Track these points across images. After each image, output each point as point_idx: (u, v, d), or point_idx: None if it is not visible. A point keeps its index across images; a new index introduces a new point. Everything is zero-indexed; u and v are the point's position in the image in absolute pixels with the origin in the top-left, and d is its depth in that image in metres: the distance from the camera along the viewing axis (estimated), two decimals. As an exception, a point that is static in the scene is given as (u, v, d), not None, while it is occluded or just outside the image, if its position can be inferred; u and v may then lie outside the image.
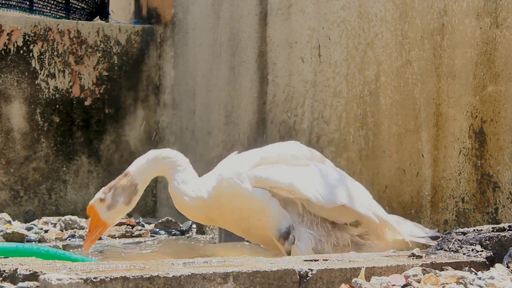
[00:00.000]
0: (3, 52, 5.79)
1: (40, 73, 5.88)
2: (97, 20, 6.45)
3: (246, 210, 3.44)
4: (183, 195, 3.55)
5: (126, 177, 3.56)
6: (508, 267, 3.01)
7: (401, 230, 3.61)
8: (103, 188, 3.60)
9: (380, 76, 4.57)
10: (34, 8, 6.28)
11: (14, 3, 6.23)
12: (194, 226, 5.25)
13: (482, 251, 3.11)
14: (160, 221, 5.15)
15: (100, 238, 4.71)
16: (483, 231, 3.22)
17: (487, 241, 3.13)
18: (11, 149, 5.79)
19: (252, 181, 3.43)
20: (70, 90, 5.96)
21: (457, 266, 2.99)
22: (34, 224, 5.15)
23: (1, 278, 2.69)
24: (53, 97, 5.91)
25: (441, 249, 3.17)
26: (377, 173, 4.56)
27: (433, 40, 4.28)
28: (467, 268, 2.99)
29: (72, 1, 6.41)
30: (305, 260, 2.96)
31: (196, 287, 2.59)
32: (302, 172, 3.49)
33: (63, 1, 6.39)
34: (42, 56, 5.88)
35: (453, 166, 4.17)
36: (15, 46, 5.83)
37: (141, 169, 3.59)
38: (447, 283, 2.80)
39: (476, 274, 2.92)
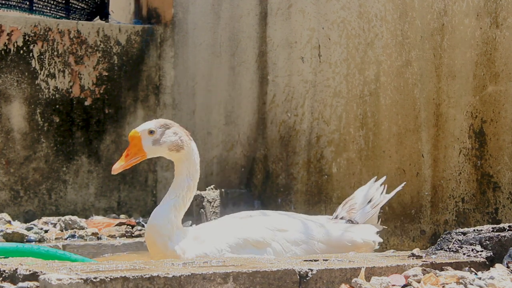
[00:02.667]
0: (3, 52, 5.79)
1: (40, 73, 5.88)
2: (97, 20, 6.45)
3: None
4: (169, 248, 3.45)
5: (181, 131, 3.58)
6: (508, 267, 3.01)
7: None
8: (156, 120, 3.59)
9: (380, 76, 4.57)
10: (34, 8, 6.28)
11: (14, 3, 6.23)
12: (194, 226, 5.24)
13: (482, 251, 3.11)
14: (160, 221, 5.14)
15: (100, 238, 4.71)
16: (483, 231, 3.22)
17: (487, 241, 3.13)
18: (11, 149, 5.79)
19: None
20: (70, 90, 5.96)
21: (457, 266, 2.99)
22: (34, 224, 5.15)
23: (1, 278, 2.69)
24: (53, 97, 5.90)
25: (441, 249, 3.17)
26: (377, 173, 4.56)
27: (433, 40, 4.28)
28: (467, 268, 2.99)
29: (72, 1, 6.41)
30: (305, 260, 2.96)
31: (196, 287, 2.59)
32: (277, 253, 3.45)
33: (63, 1, 6.39)
34: (42, 56, 5.88)
35: (453, 166, 4.17)
36: (15, 46, 5.83)
37: (190, 145, 3.57)
38: (447, 283, 2.80)
39: (476, 274, 2.92)
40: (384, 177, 3.82)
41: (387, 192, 3.85)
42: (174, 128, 3.58)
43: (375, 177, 3.84)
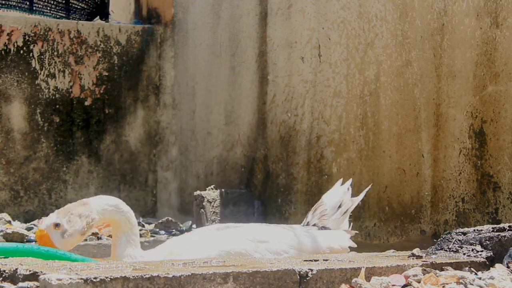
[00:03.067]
0: (3, 52, 5.79)
1: (40, 73, 5.88)
2: (97, 20, 6.45)
3: None
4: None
5: (85, 206, 3.30)
6: (508, 267, 3.01)
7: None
8: (54, 212, 3.32)
9: (380, 76, 4.57)
10: (34, 8, 6.28)
11: (14, 3, 6.23)
12: (194, 226, 5.25)
13: (482, 251, 3.11)
14: (160, 221, 5.15)
15: (100, 238, 4.71)
16: (483, 231, 3.22)
17: (487, 241, 3.13)
18: (11, 149, 5.79)
19: None
20: (70, 90, 5.96)
21: (457, 266, 2.99)
22: (34, 224, 5.15)
23: (1, 278, 2.69)
24: (53, 97, 5.90)
25: (441, 249, 3.17)
26: (377, 173, 4.56)
27: (433, 40, 4.28)
28: (467, 268, 2.99)
29: (72, 1, 6.41)
30: (305, 260, 2.95)
31: (196, 287, 2.59)
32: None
33: (63, 1, 6.39)
34: (42, 56, 5.88)
35: (453, 166, 4.17)
36: (15, 46, 5.83)
37: (103, 209, 3.30)
38: (447, 283, 2.80)
39: (476, 274, 2.92)
40: (351, 180, 3.78)
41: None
42: (75, 211, 3.26)
43: (341, 179, 3.80)
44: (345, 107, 4.76)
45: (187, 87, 6.05)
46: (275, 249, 3.36)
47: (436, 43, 4.26)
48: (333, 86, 4.84)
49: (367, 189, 3.79)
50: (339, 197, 3.68)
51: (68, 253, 3.27)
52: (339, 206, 3.67)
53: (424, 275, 2.86)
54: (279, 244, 3.38)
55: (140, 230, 5.02)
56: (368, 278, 2.82)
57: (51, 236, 3.27)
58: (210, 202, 5.16)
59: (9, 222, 5.28)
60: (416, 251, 3.11)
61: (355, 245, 3.59)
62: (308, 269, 2.77)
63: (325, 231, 3.59)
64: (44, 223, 3.28)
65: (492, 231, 3.21)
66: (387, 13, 4.52)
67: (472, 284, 2.77)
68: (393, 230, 4.45)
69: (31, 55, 5.85)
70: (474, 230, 3.24)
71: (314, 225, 3.64)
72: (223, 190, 5.26)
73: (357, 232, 3.91)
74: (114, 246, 3.32)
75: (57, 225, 3.26)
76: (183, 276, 2.58)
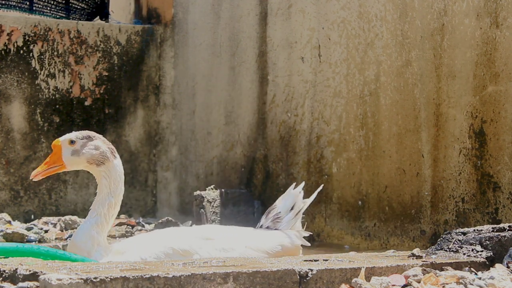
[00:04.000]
0: (3, 52, 5.79)
1: (40, 73, 5.88)
2: (97, 20, 6.45)
3: None
4: (87, 248, 3.40)
5: (104, 145, 3.49)
6: (508, 267, 3.01)
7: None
8: (80, 132, 3.52)
9: (380, 76, 4.57)
10: (34, 8, 6.28)
11: (14, 3, 6.23)
12: (194, 226, 5.25)
13: (482, 251, 3.11)
14: (160, 221, 5.15)
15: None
16: (483, 231, 3.22)
17: (487, 241, 3.13)
18: (11, 149, 5.79)
19: None
20: (70, 90, 5.96)
21: (457, 266, 2.99)
22: (34, 224, 5.15)
23: (1, 278, 2.69)
24: (53, 97, 5.90)
25: (441, 249, 3.17)
26: (377, 173, 4.56)
27: (433, 40, 4.28)
28: (467, 268, 2.99)
29: (72, 1, 6.41)
30: (305, 260, 2.96)
31: (196, 287, 2.59)
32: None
33: (63, 1, 6.39)
34: (42, 56, 5.88)
35: (453, 166, 4.17)
36: (15, 46, 5.83)
37: (111, 162, 3.48)
38: (447, 283, 2.80)
39: (476, 274, 2.92)
40: (303, 183, 3.78)
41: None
42: (97, 141, 3.48)
43: (294, 183, 3.79)
44: (345, 107, 4.76)
45: (187, 87, 6.05)
46: (221, 246, 3.39)
47: (436, 43, 4.26)
48: (333, 86, 4.84)
49: (318, 190, 3.76)
50: (292, 200, 3.69)
51: (68, 253, 3.27)
52: (292, 208, 3.68)
53: (424, 275, 2.86)
54: (226, 241, 3.41)
55: (140, 230, 5.02)
56: (368, 278, 2.82)
57: (62, 148, 3.49)
58: (210, 202, 5.16)
59: (9, 222, 5.28)
60: (416, 251, 3.11)
61: (308, 244, 3.60)
62: (308, 269, 2.77)
63: (277, 230, 3.60)
64: (64, 136, 3.51)
65: (492, 231, 3.21)
66: (387, 13, 4.52)
67: (472, 284, 2.77)
68: (393, 230, 4.45)
69: (31, 55, 5.85)
70: (474, 230, 3.24)
71: (267, 227, 3.64)
72: (223, 190, 5.26)
73: (311, 233, 3.85)
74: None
75: (72, 141, 3.47)
76: (183, 276, 2.59)
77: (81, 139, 3.48)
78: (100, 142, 3.49)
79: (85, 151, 3.46)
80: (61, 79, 5.93)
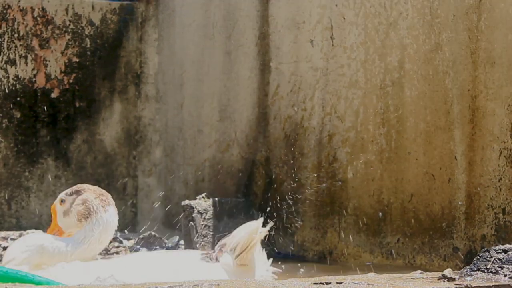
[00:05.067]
0: (-47, 34, 5.80)
1: (-2, 59, 5.89)
2: (66, -4, 6.45)
3: None
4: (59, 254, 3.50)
5: (92, 197, 3.60)
6: (558, 291, 3.01)
7: None
8: (71, 188, 3.63)
9: (404, 63, 4.57)
10: (-10, -19, 6.28)
11: (-34, -25, 6.23)
12: (182, 242, 5.25)
13: (527, 272, 3.11)
14: (141, 236, 5.16)
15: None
16: (528, 249, 3.22)
17: (533, 261, 3.14)
18: (-37, 150, 5.80)
19: None
20: (34, 79, 5.96)
21: (497, 290, 2.99)
22: (-10, 240, 5.15)
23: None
24: (13, 88, 5.91)
25: (478, 269, 3.17)
26: (401, 179, 4.56)
27: (468, 20, 4.28)
28: (509, 292, 2.99)
29: (36, -27, 6.42)
30: (315, 283, 2.95)
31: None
32: None
33: (25, -27, 6.39)
34: (0, 39, 5.88)
35: (492, 171, 4.17)
36: (-32, 26, 5.84)
37: (99, 215, 3.59)
38: (485, 311, 2.80)
39: (519, 299, 2.92)
40: (272, 223, 3.70)
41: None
42: (86, 195, 3.59)
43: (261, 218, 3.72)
44: (362, 100, 4.77)
45: (173, 76, 6.05)
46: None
47: (472, 23, 4.26)
48: (349, 74, 4.85)
49: (269, 225, 3.66)
50: (244, 232, 3.63)
51: (31, 274, 3.27)
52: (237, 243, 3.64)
53: (457, 301, 2.86)
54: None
55: (118, 247, 5.03)
56: (390, 305, 2.82)
57: (57, 211, 3.63)
58: (201, 214, 5.16)
59: (-39, 237, 5.29)
60: (448, 272, 3.12)
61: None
62: (319, 293, 2.77)
63: (210, 264, 3.58)
64: (58, 196, 3.63)
65: (539, 248, 3.22)
66: (413, -12, 4.53)
67: (515, 312, 2.77)
68: (420, 247, 4.46)
69: (-13, 37, 5.86)
70: (517, 247, 3.25)
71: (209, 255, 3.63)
72: (216, 199, 5.26)
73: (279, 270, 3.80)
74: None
75: (62, 201, 3.61)
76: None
77: (70, 195, 3.59)
78: (88, 195, 3.59)
79: (73, 209, 3.57)
80: (23, 66, 5.93)
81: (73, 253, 3.55)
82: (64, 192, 3.62)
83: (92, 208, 3.56)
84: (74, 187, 3.63)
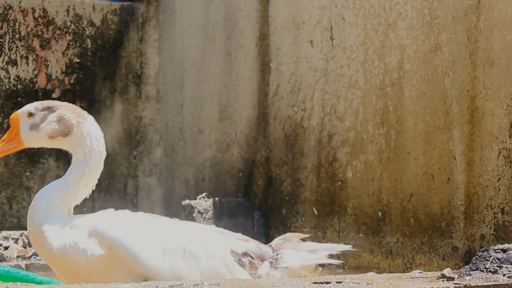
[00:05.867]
0: (-46, 34, 5.80)
1: (-1, 60, 5.89)
2: (67, -3, 6.46)
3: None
4: (40, 228, 3.47)
5: (68, 112, 3.55)
6: (556, 290, 3.01)
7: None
8: (41, 102, 3.56)
9: (404, 63, 4.57)
10: (-9, -18, 6.28)
11: (-32, -24, 6.23)
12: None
13: (525, 271, 3.11)
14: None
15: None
16: (526, 248, 3.22)
17: (531, 260, 3.13)
18: (-35, 150, 5.79)
19: None
20: (35, 79, 5.96)
21: (496, 289, 2.99)
22: (-9, 240, 5.16)
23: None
24: (15, 88, 5.91)
25: (477, 269, 3.17)
26: (400, 179, 4.56)
27: (467, 21, 4.28)
28: (507, 292, 2.99)
29: (37, -26, 6.42)
30: (314, 283, 2.95)
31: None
32: None
33: (27, -26, 6.40)
34: (1, 40, 5.88)
35: (491, 171, 4.17)
36: (-31, 27, 5.84)
37: (80, 128, 3.54)
38: (483, 310, 2.80)
39: (518, 299, 2.92)
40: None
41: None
42: (60, 111, 3.54)
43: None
44: (362, 100, 4.77)
45: (174, 76, 6.05)
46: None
47: (471, 24, 4.26)
48: (348, 75, 4.85)
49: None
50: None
51: (32, 274, 3.27)
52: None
53: (456, 300, 2.86)
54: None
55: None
56: (389, 304, 2.82)
57: (20, 123, 3.51)
58: (201, 214, 5.16)
59: (-38, 237, 5.29)
60: (447, 271, 3.11)
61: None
62: (318, 293, 2.77)
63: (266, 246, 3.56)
64: (23, 107, 3.52)
65: (538, 247, 3.21)
66: (412, -12, 4.53)
67: (513, 311, 2.77)
68: (420, 247, 4.46)
69: (-12, 38, 5.87)
70: (516, 246, 3.24)
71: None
72: (216, 199, 5.26)
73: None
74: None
75: (30, 114, 3.51)
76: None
77: (41, 110, 3.52)
78: (63, 111, 3.54)
79: (44, 126, 3.50)
80: (24, 67, 5.93)
81: (82, 175, 3.48)
82: (33, 105, 3.52)
83: (71, 122, 3.51)
84: (45, 102, 3.55)
